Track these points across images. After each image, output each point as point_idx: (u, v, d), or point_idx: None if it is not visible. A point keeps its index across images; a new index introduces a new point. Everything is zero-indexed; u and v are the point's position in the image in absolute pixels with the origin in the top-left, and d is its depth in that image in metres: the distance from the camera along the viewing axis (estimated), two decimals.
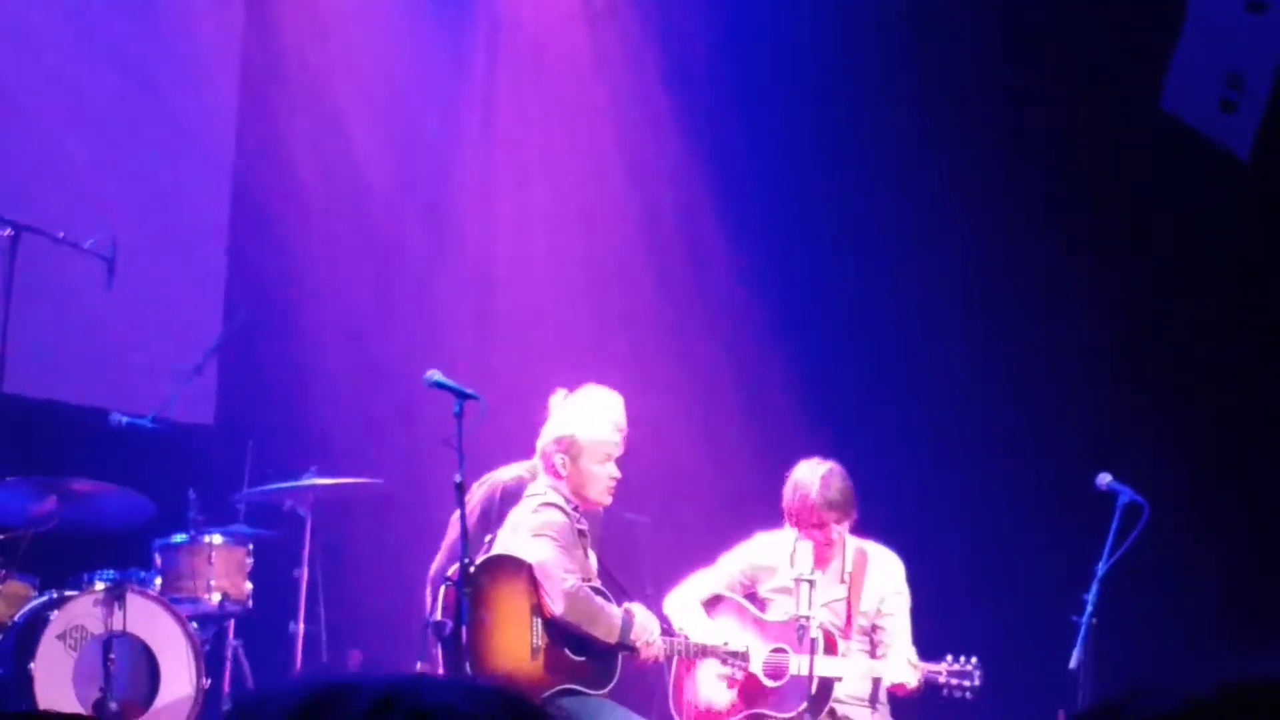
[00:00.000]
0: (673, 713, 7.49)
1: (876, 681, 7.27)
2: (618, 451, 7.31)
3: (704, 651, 7.35)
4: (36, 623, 7.83)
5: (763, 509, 7.84)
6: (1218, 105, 9.49)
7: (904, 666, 7.16)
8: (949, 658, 7.22)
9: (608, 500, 7.36)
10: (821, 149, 10.42)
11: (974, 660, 7.20)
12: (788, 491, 7.39)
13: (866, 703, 7.32)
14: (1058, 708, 7.40)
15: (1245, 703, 1.29)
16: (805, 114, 10.49)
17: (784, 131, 10.55)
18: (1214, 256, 9.67)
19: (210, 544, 8.48)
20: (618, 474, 7.30)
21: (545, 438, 7.24)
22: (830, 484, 7.30)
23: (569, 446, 7.16)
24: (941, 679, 7.17)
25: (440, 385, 6.96)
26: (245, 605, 8.60)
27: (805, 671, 6.99)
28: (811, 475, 7.34)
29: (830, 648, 7.13)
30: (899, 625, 7.43)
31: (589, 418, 7.28)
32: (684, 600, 7.55)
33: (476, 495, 7.49)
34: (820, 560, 7.26)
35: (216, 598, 8.44)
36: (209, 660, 8.24)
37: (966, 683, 7.17)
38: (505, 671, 6.84)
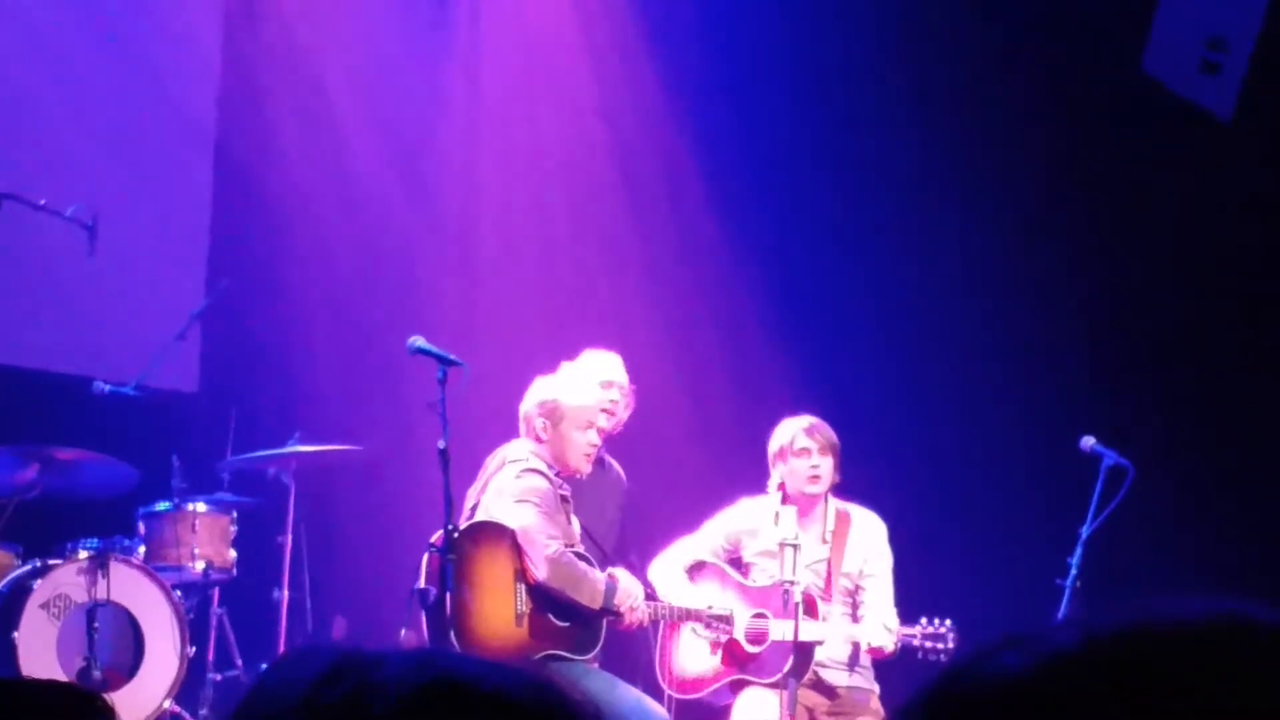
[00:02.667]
0: (658, 678, 7.51)
1: (856, 644, 7.30)
2: (599, 420, 7.33)
3: (688, 615, 7.37)
4: (19, 592, 7.83)
5: (747, 475, 7.85)
6: (1199, 67, 9.47)
7: (880, 630, 7.18)
8: (923, 620, 7.25)
9: (586, 468, 7.36)
10: (808, 113, 10.41)
11: (948, 623, 7.23)
12: (771, 439, 7.56)
13: (846, 665, 7.34)
14: None
15: (1104, 658, 1.21)
16: (791, 77, 10.47)
17: (770, 96, 10.53)
18: (1196, 219, 9.67)
19: (194, 512, 8.48)
20: (598, 441, 7.32)
21: (529, 401, 7.25)
22: (811, 420, 7.55)
23: (551, 411, 7.18)
24: (916, 641, 7.20)
25: (424, 352, 6.96)
26: (230, 573, 8.60)
27: (787, 637, 7.01)
28: (793, 418, 7.59)
29: (812, 611, 7.14)
30: (880, 587, 7.46)
31: (575, 383, 7.31)
32: (668, 566, 7.58)
33: (490, 467, 7.47)
34: (803, 512, 7.34)
35: (201, 565, 8.43)
36: (193, 628, 8.23)
37: (941, 645, 7.19)
38: (490, 638, 6.85)
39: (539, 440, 7.18)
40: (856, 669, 7.37)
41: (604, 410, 7.56)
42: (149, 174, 10.30)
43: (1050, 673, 1.21)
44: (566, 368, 7.54)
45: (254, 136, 10.54)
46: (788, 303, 10.30)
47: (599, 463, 7.75)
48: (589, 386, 7.39)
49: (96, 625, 7.82)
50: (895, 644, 7.17)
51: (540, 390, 7.28)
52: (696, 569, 7.58)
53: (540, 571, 6.90)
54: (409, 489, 9.00)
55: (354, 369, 10.29)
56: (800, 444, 7.45)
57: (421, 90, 10.91)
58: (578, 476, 7.37)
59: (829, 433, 7.50)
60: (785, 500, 7.42)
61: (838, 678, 7.35)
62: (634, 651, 7.83)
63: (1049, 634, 1.23)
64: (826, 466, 7.45)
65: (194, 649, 8.15)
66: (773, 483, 7.49)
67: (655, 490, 8.70)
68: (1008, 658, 1.24)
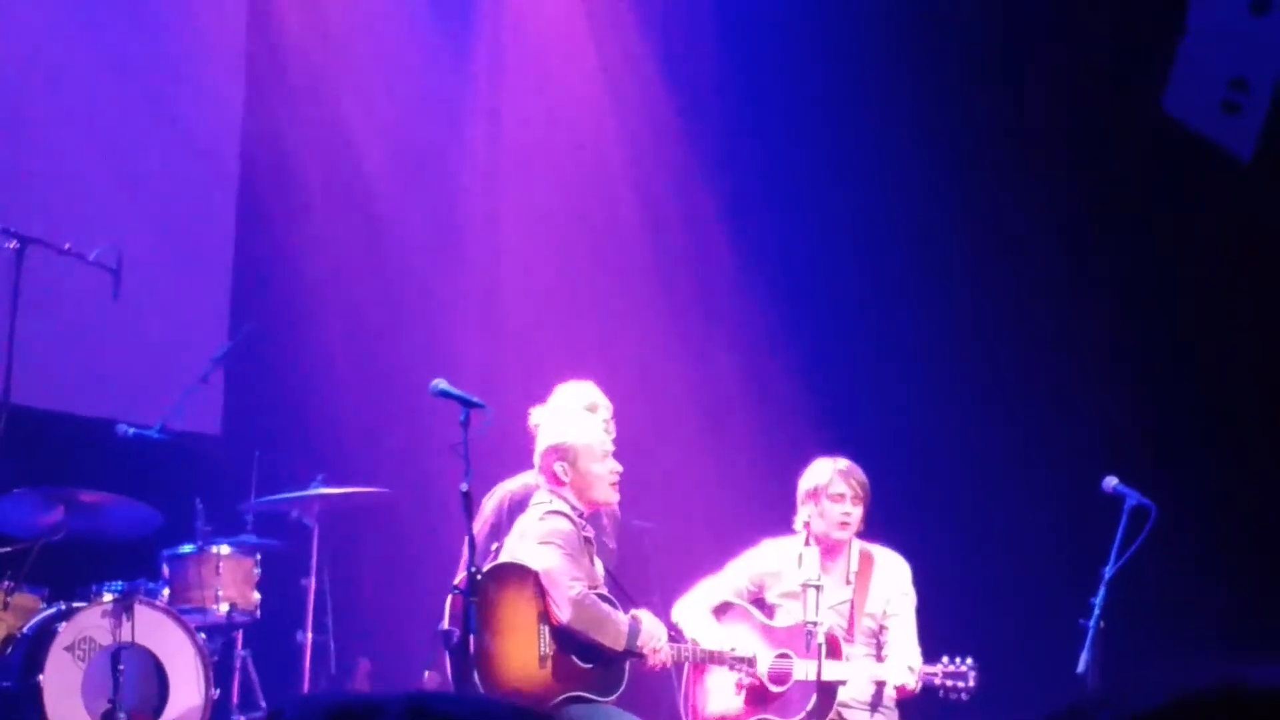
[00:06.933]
0: (682, 718, 7.50)
1: (880, 684, 7.29)
2: (613, 446, 7.34)
3: (712, 658, 7.36)
4: (45, 634, 7.83)
5: (769, 515, 7.86)
6: (1220, 107, 9.49)
7: (902, 669, 7.18)
8: (944, 659, 7.24)
9: (615, 497, 7.39)
10: (825, 150, 10.42)
11: (969, 661, 7.22)
12: (804, 476, 7.50)
13: (869, 706, 7.34)
14: None
15: (1195, 716, 1.25)
16: (808, 114, 10.49)
17: (788, 130, 10.55)
18: (1219, 258, 9.68)
19: (218, 554, 8.48)
20: (619, 468, 7.33)
21: (540, 450, 7.26)
22: (847, 463, 7.54)
23: (565, 453, 7.18)
24: (937, 680, 7.19)
25: (446, 394, 6.96)
26: (253, 615, 8.60)
27: (810, 676, 7.02)
28: (828, 459, 7.54)
29: (834, 651, 7.14)
30: (903, 627, 7.45)
31: (577, 420, 7.32)
32: (692, 608, 7.57)
33: (487, 507, 7.52)
34: (827, 553, 7.35)
35: (224, 608, 8.43)
36: (217, 670, 8.23)
37: (962, 684, 7.18)
38: (513, 679, 6.85)
39: (561, 484, 7.18)
40: (880, 709, 7.36)
41: None
42: (173, 217, 10.34)
43: None
44: (539, 412, 7.57)
45: (277, 180, 10.58)
46: (811, 342, 10.30)
47: None
48: (591, 420, 7.41)
49: (121, 667, 7.82)
50: (917, 683, 7.17)
51: (548, 437, 7.29)
52: (721, 610, 7.58)
53: (564, 613, 6.90)
54: (432, 531, 9.01)
55: (377, 412, 10.31)
56: (836, 488, 7.43)
57: (444, 132, 10.94)
58: (608, 508, 7.41)
59: (864, 479, 7.51)
60: (809, 539, 7.42)
61: (859, 717, 7.34)
62: (657, 693, 7.83)
63: (1139, 694, 1.27)
64: (858, 515, 7.47)
65: (218, 691, 8.14)
66: (799, 520, 7.49)
67: (678, 530, 8.71)
68: (1102, 715, 1.27)
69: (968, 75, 10.20)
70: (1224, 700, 1.25)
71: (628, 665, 7.07)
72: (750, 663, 7.34)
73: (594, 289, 10.67)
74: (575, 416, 7.39)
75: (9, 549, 8.15)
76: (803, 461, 7.65)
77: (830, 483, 7.44)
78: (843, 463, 7.52)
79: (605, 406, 7.74)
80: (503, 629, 6.90)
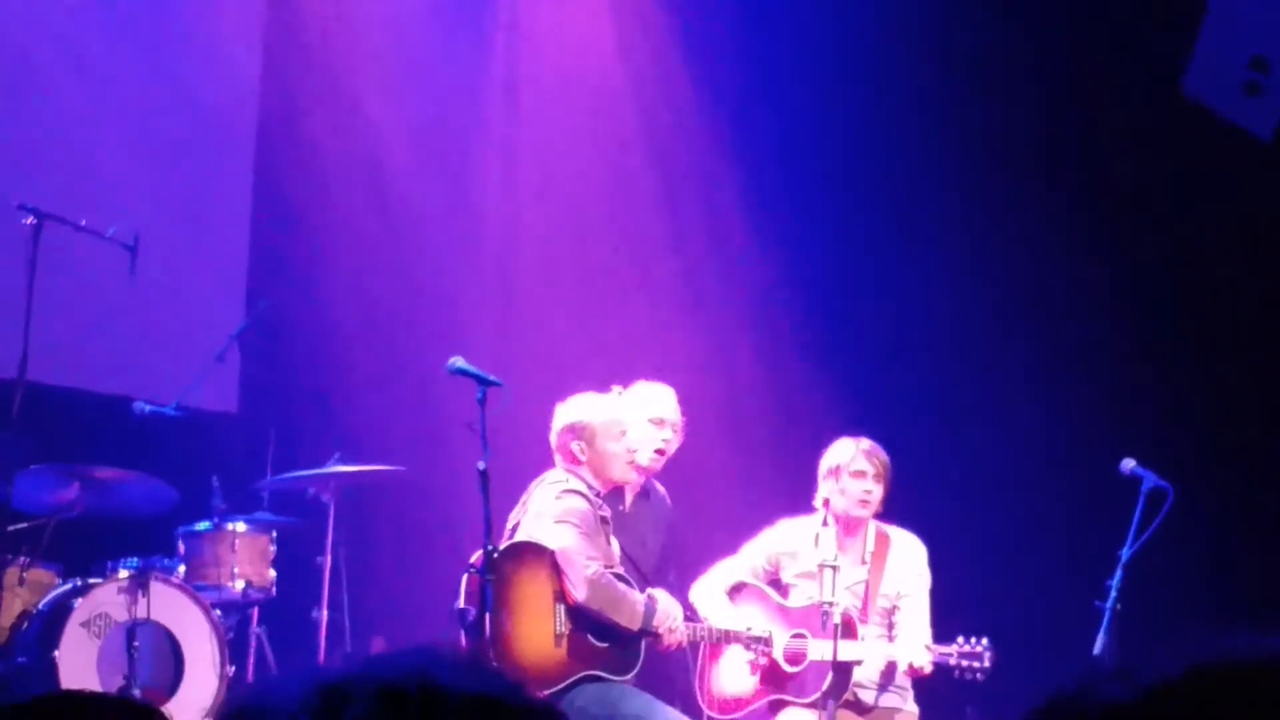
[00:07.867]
0: (698, 698, 7.51)
1: (891, 664, 7.29)
2: (629, 428, 7.34)
3: (727, 637, 7.37)
4: (60, 610, 7.85)
5: (786, 495, 7.85)
6: (1241, 88, 9.44)
7: (918, 649, 7.18)
8: (959, 639, 7.24)
9: (632, 476, 7.41)
10: (842, 135, 10.40)
11: (984, 641, 7.21)
12: (826, 454, 7.51)
13: (882, 685, 7.34)
14: None
15: (1206, 688, 1.27)
16: (828, 100, 10.46)
17: (807, 116, 10.52)
18: (1238, 240, 9.64)
19: (234, 531, 8.50)
20: (636, 447, 7.33)
21: (555, 431, 7.26)
22: (870, 442, 7.55)
23: (582, 431, 7.19)
24: (952, 660, 7.19)
25: (463, 372, 6.97)
26: (269, 592, 8.61)
27: (825, 657, 7.02)
28: (851, 438, 7.57)
29: (850, 631, 7.14)
30: (915, 607, 7.46)
31: (596, 401, 7.32)
32: (708, 588, 7.59)
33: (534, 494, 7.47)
34: (844, 533, 7.35)
35: (240, 585, 8.45)
36: (233, 647, 8.25)
37: (977, 664, 7.18)
38: (529, 658, 6.85)
39: (577, 463, 7.18)
40: (891, 688, 7.37)
41: (656, 451, 7.60)
42: (189, 195, 10.34)
43: (1155, 703, 1.28)
44: (618, 392, 7.55)
45: (293, 157, 10.57)
46: (826, 323, 10.28)
47: (643, 493, 7.76)
48: (608, 402, 7.40)
49: (136, 644, 7.84)
50: (930, 663, 7.17)
51: (565, 416, 7.28)
52: (736, 590, 7.59)
53: (579, 592, 6.90)
54: (448, 509, 9.01)
55: (393, 389, 10.30)
56: (858, 465, 7.44)
57: (461, 110, 10.93)
58: (626, 485, 7.42)
59: (886, 459, 7.52)
60: (828, 517, 7.42)
61: (874, 697, 7.35)
62: (672, 672, 7.83)
63: (1153, 666, 1.29)
64: (878, 493, 7.47)
65: (233, 668, 8.16)
66: (819, 498, 7.48)
67: (693, 511, 8.70)
68: (1114, 688, 1.29)
69: (986, 61, 10.16)
70: (1230, 672, 1.26)
71: (643, 645, 7.07)
72: (766, 643, 7.35)
73: (611, 266, 10.65)
74: (594, 398, 7.38)
75: (25, 525, 8.17)
76: (819, 442, 7.66)
77: (853, 460, 7.44)
78: (865, 442, 7.52)
79: (675, 421, 7.75)
80: (518, 608, 6.90)
